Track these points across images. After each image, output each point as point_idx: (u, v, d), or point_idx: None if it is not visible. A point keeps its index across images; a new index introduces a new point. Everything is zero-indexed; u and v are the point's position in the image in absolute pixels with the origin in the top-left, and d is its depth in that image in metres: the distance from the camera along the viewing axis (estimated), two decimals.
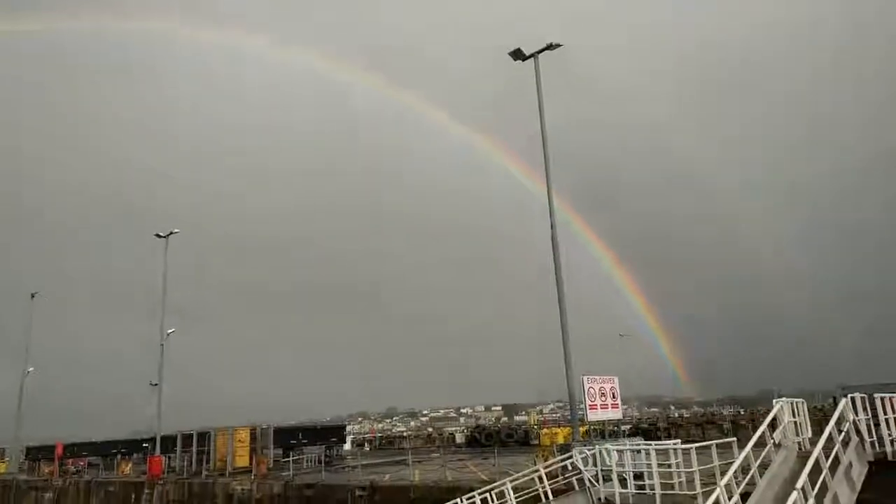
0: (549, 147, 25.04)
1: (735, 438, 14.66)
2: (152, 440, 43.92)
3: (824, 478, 11.12)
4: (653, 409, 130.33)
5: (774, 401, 14.21)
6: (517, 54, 25.80)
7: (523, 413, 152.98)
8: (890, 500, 12.90)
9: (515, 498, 16.87)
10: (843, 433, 12.60)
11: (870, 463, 13.10)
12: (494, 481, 18.47)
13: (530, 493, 17.13)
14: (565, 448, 21.56)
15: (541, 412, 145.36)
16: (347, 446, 59.60)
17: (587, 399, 21.67)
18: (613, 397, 22.75)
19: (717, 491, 10.94)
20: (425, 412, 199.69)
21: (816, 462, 11.08)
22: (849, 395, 13.52)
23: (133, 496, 36.42)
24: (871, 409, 13.87)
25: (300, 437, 46.68)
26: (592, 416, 22.24)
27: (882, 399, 14.35)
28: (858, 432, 13.14)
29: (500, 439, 52.29)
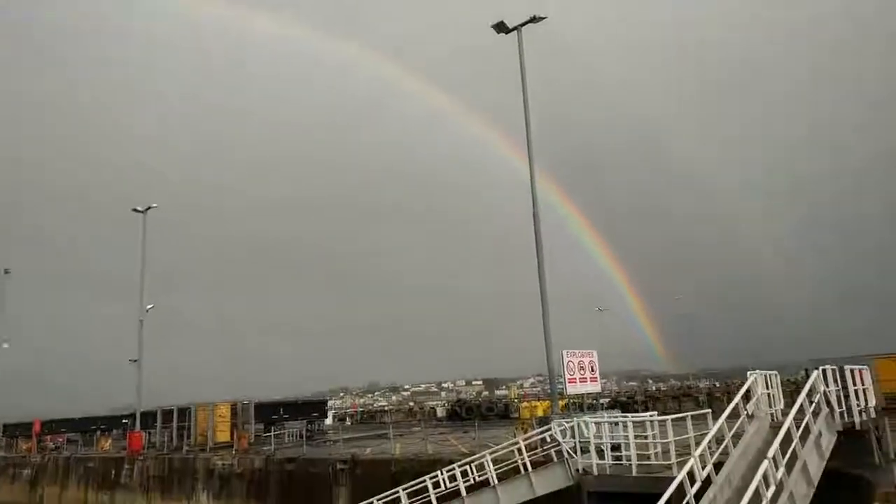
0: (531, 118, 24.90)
1: (710, 410, 14.90)
2: (132, 416, 43.71)
3: (795, 447, 11.41)
4: (631, 383, 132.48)
5: (748, 373, 14.48)
6: (500, 27, 25.50)
7: (504, 387, 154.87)
8: (857, 468, 13.30)
9: (495, 470, 17.10)
10: (813, 404, 12.89)
11: (839, 433, 13.45)
12: (475, 454, 18.68)
13: (510, 464, 17.37)
14: (544, 421, 21.85)
15: (521, 386, 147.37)
16: (329, 421, 59.89)
17: (566, 373, 21.92)
18: (592, 371, 23.04)
19: (692, 461, 11.19)
20: (407, 387, 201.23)
21: (788, 432, 11.36)
22: (820, 368, 13.82)
23: (113, 472, 36.30)
24: (842, 381, 14.23)
25: (281, 412, 46.81)
26: (572, 389, 22.53)
27: (851, 371, 14.72)
28: (829, 403, 13.45)
29: (480, 413, 52.90)
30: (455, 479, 17.47)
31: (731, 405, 13.17)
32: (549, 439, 17.41)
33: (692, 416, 14.78)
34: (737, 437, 13.04)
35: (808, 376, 13.83)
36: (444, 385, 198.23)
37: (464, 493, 17.30)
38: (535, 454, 17.37)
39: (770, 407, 14.57)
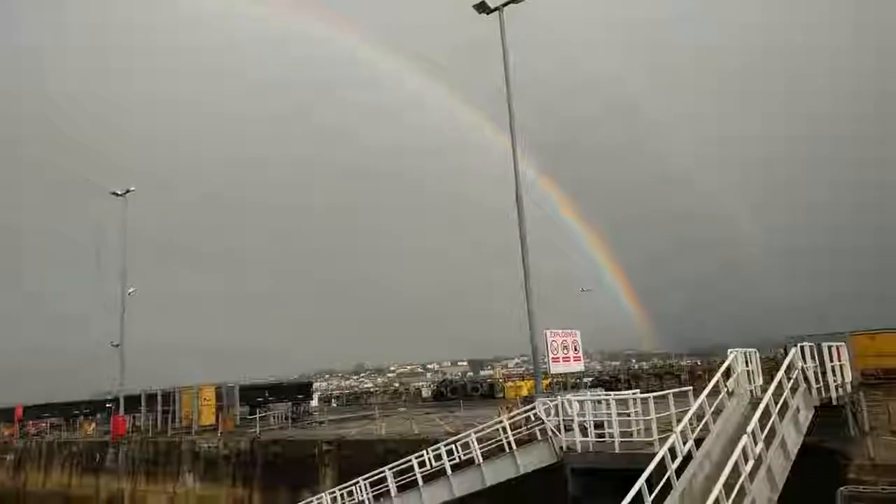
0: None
1: (691, 388, 15.13)
2: (115, 400, 43.47)
3: (773, 422, 11.63)
4: (614, 363, 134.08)
5: (729, 351, 14.68)
6: (482, 7, 25.23)
7: (489, 367, 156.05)
8: (833, 441, 13.62)
9: (480, 448, 17.26)
10: (792, 380, 13.13)
11: (816, 407, 13.73)
12: (460, 433, 18.83)
13: (495, 443, 17.54)
14: (529, 400, 22.04)
15: (506, 366, 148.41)
16: (315, 403, 59.93)
17: (550, 352, 22.08)
18: (575, 350, 23.24)
19: (673, 437, 11.38)
20: (392, 368, 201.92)
21: (766, 408, 11.57)
22: (798, 345, 14.05)
23: (97, 456, 36.17)
24: (819, 358, 14.50)
25: (267, 394, 46.67)
26: (555, 368, 22.72)
27: (829, 347, 15.01)
28: (806, 379, 13.71)
29: (465, 393, 53.30)
30: (440, 459, 17.64)
31: (712, 382, 13.36)
32: (533, 418, 17.57)
33: (674, 393, 14.97)
34: (717, 413, 13.25)
35: (787, 353, 14.06)
36: (430, 366, 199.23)
37: (449, 471, 17.47)
38: (520, 433, 17.54)
39: (750, 384, 14.81)
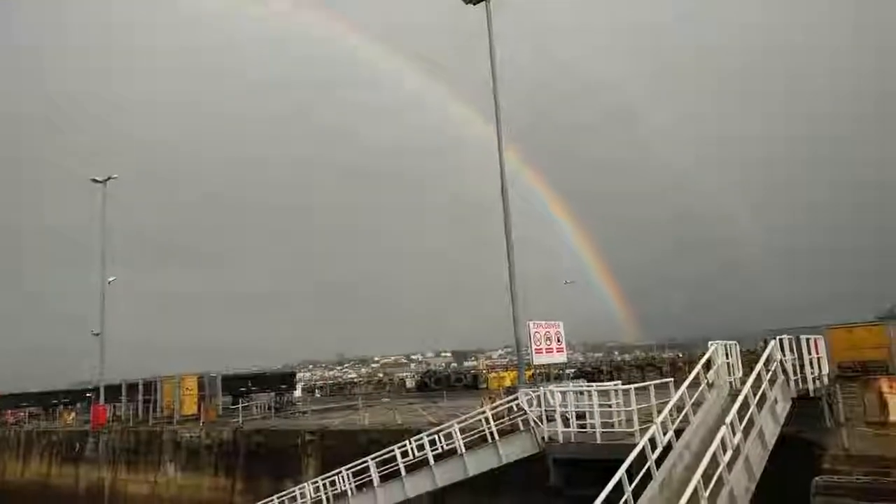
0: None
1: (672, 379, 15.28)
2: (96, 390, 43.06)
3: (752, 413, 11.80)
4: (597, 354, 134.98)
5: (709, 343, 14.84)
6: None
7: (472, 358, 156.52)
8: (810, 432, 13.85)
9: (463, 439, 17.34)
10: (770, 372, 13.31)
11: (793, 399, 13.95)
12: (443, 423, 18.90)
13: (478, 433, 17.63)
14: (512, 391, 22.16)
15: (489, 357, 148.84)
16: (298, 393, 59.81)
17: (533, 344, 22.18)
18: (558, 342, 23.37)
19: (653, 428, 11.50)
20: (377, 359, 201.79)
21: (745, 399, 11.73)
22: (777, 338, 14.24)
23: (77, 445, 35.85)
24: (797, 350, 14.72)
25: (249, 384, 46.47)
26: (538, 359, 22.83)
27: (807, 340, 15.23)
28: (785, 371, 13.91)
29: (449, 384, 53.52)
30: (423, 449, 17.70)
31: (693, 374, 13.52)
32: (515, 408, 17.66)
33: (655, 385, 15.16)
34: (697, 404, 13.43)
35: (766, 346, 14.25)
36: (414, 357, 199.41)
37: (432, 461, 17.54)
38: (503, 423, 17.62)
39: (729, 376, 15.00)
